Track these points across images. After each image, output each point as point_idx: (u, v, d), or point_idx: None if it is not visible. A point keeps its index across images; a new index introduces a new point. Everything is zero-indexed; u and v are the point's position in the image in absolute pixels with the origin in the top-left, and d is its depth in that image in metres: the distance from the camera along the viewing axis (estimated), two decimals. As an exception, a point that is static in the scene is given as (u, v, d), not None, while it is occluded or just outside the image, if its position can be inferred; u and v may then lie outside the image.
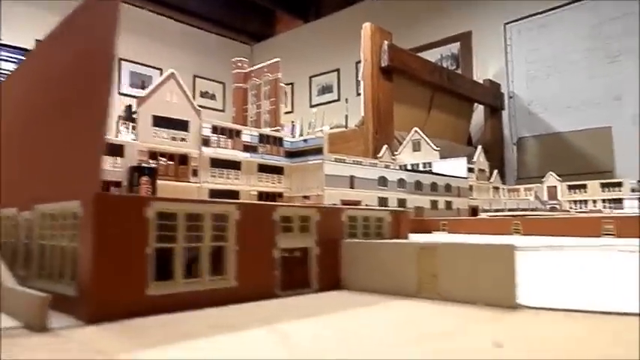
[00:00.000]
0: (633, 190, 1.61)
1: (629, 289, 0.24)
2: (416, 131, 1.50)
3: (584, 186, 1.72)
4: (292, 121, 2.98)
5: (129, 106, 3.26)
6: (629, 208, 1.60)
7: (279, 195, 0.98)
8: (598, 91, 2.76)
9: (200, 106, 0.93)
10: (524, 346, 0.17)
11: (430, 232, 0.80)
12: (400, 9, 3.70)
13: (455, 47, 3.47)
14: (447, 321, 0.22)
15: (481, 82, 3.01)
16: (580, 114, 2.81)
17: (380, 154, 1.53)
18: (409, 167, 1.49)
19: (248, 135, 0.93)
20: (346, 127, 2.63)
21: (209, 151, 0.86)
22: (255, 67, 1.11)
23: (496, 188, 1.78)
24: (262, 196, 0.95)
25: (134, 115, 3.06)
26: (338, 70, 4.16)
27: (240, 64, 1.13)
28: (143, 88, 4.17)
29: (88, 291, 0.25)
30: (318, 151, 0.95)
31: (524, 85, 3.07)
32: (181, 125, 0.83)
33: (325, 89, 4.32)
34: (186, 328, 0.20)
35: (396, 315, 0.24)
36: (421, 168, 1.46)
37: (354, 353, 0.17)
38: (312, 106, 4.27)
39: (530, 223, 0.70)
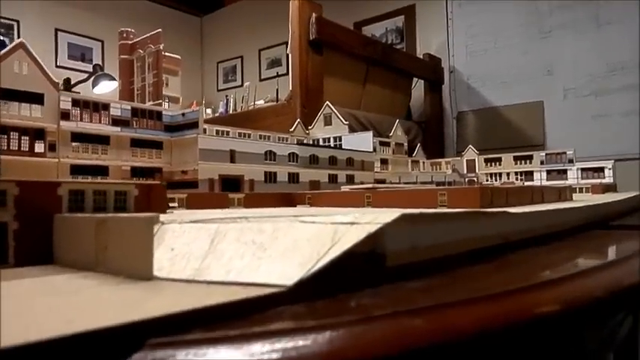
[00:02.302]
0: (542, 163, 1.66)
1: (285, 260, 0.24)
2: (327, 105, 1.50)
3: (499, 159, 1.76)
4: (226, 96, 2.93)
5: (67, 80, 3.14)
6: (538, 180, 1.65)
7: (158, 170, 0.97)
8: (531, 66, 2.81)
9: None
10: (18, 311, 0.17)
11: (295, 206, 0.81)
12: (346, -19, 3.65)
13: (400, 21, 3.46)
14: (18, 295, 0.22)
15: (421, 56, 3.02)
16: (514, 88, 2.86)
17: (292, 129, 1.52)
18: (321, 142, 1.49)
19: (118, 108, 0.90)
20: (277, 101, 2.61)
21: (70, 125, 0.83)
22: (140, 39, 1.08)
23: (415, 162, 1.80)
24: (137, 171, 0.93)
25: (73, 89, 2.93)
26: (286, 43, 4.09)
27: (125, 35, 1.09)
28: (83, 60, 4.02)
29: None
30: (194, 125, 0.94)
31: (464, 60, 3.10)
32: (34, 98, 0.79)
33: (274, 62, 4.26)
34: None
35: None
36: (332, 142, 1.46)
37: None
38: (261, 80, 4.21)
39: (379, 195, 0.71)
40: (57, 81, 0.83)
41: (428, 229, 0.33)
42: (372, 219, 0.29)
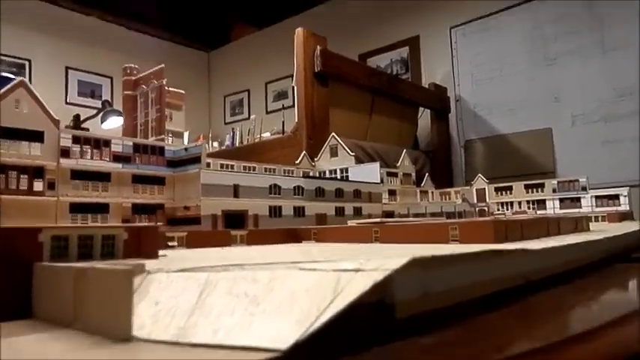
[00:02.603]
0: (554, 191, 1.62)
1: (280, 317, 0.22)
2: (333, 136, 1.48)
3: (509, 188, 1.73)
4: (232, 129, 2.94)
5: (76, 116, 3.18)
6: (550, 208, 1.61)
7: (160, 206, 0.94)
8: (538, 93, 2.80)
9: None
10: None
11: (300, 242, 0.77)
12: (351, 15, 3.71)
13: (404, 52, 3.49)
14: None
15: (427, 86, 3.02)
16: (522, 116, 2.85)
17: (298, 161, 1.50)
18: (327, 173, 1.47)
19: (119, 145, 0.88)
20: (283, 133, 2.61)
21: (70, 163, 0.81)
22: (143, 74, 1.07)
23: (424, 192, 1.77)
24: (138, 208, 0.91)
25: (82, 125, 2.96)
26: (292, 76, 4.13)
27: (129, 71, 1.09)
28: (93, 97, 4.08)
29: None
30: (197, 159, 0.92)
31: (470, 89, 3.10)
32: (34, 136, 0.78)
33: (281, 95, 4.30)
34: None
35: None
36: (338, 174, 1.44)
37: None
38: (267, 113, 4.24)
39: (387, 230, 0.68)
40: (57, 119, 0.81)
41: (441, 274, 0.30)
42: (379, 265, 0.26)
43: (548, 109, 2.77)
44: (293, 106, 4.02)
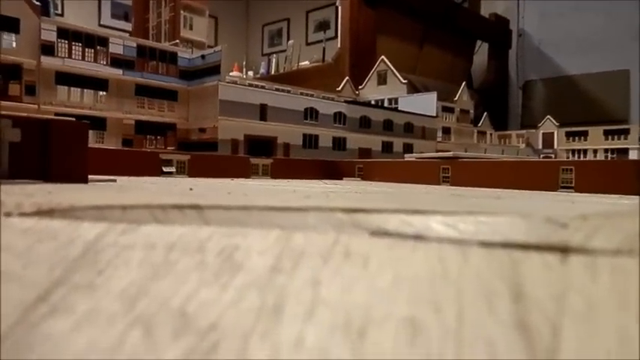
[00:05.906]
0: (641, 139, 1.37)
1: None
2: (382, 60, 1.26)
3: (584, 133, 1.48)
4: (268, 56, 2.71)
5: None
6: (634, 159, 1.36)
7: (171, 126, 0.77)
8: (616, 30, 2.43)
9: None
10: None
11: (341, 178, 0.59)
12: None
13: (463, -22, 3.11)
14: None
15: (486, 16, 2.69)
16: (594, 55, 2.50)
17: (339, 88, 1.30)
18: (372, 103, 1.26)
19: (119, 45, 0.70)
20: (323, 61, 2.38)
21: (54, 62, 0.64)
22: (156, -36, 0.87)
23: (482, 133, 1.55)
24: (143, 126, 0.74)
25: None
26: (335, 2, 3.81)
27: (140, -39, 0.89)
28: (126, 19, 3.89)
29: None
30: (215, 70, 0.73)
31: (536, 22, 2.74)
32: (7, 24, 0.61)
33: (323, 25, 4.00)
34: None
35: None
36: (386, 104, 1.23)
37: None
38: (308, 44, 3.97)
39: (462, 168, 0.49)
40: (37, 3, 0.64)
41: None
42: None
43: (628, 48, 2.41)
44: (335, 37, 3.74)
